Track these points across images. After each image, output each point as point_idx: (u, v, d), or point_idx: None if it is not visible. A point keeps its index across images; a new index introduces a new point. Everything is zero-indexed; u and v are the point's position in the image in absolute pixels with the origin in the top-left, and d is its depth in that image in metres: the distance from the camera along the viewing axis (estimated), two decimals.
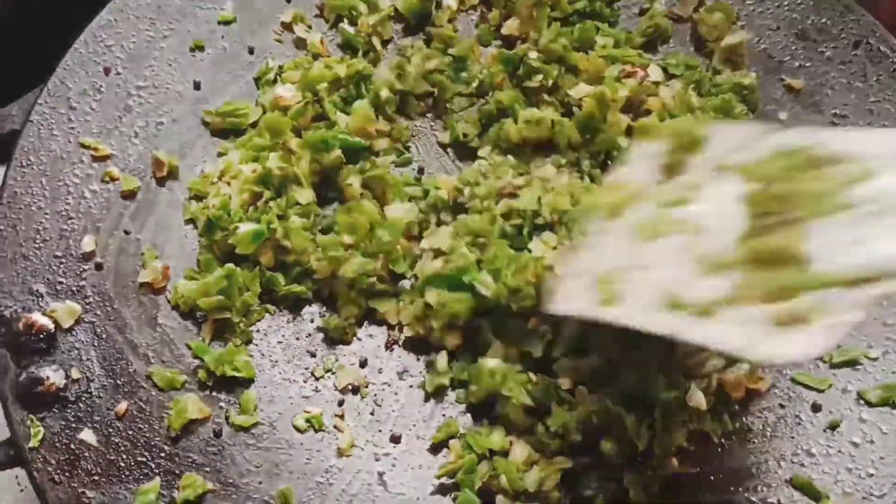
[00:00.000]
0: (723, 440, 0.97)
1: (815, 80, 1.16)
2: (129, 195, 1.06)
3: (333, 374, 1.01)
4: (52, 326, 0.96)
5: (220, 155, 1.10)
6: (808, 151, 0.85)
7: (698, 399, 0.95)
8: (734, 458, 0.97)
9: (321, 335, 1.03)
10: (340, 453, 0.96)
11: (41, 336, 0.95)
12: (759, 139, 0.89)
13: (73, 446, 0.92)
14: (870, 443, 0.96)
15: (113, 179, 1.06)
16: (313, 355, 1.02)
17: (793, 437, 0.97)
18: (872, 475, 0.95)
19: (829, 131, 1.01)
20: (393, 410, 1.00)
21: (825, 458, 0.96)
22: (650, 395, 0.94)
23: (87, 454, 0.92)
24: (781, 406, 0.99)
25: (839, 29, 1.17)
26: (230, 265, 1.01)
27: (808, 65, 1.16)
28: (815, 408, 0.98)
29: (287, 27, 1.18)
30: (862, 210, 0.79)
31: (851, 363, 1.00)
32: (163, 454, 0.93)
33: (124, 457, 0.92)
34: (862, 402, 0.98)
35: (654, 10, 1.20)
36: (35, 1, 1.38)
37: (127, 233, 1.04)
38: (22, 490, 1.07)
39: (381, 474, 0.96)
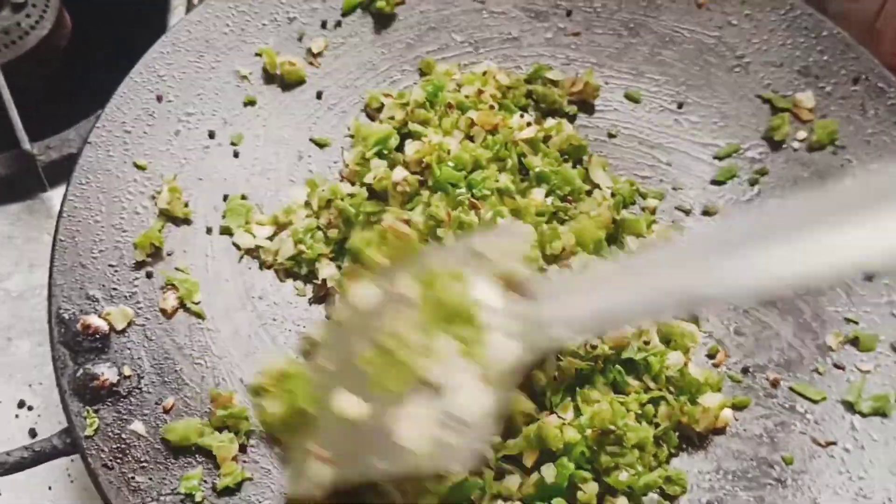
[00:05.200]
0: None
1: (816, 114, 1.22)
2: None
3: None
4: (106, 328, 1.03)
5: None
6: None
7: None
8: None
9: None
10: None
11: (97, 336, 1.02)
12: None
13: (124, 436, 0.98)
14: (861, 449, 1.03)
15: None
16: None
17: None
18: (863, 478, 1.01)
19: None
20: None
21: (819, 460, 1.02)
22: None
23: (136, 443, 0.98)
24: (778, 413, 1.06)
25: (839, 66, 1.23)
26: None
27: None
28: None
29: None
30: None
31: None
32: None
33: (171, 446, 0.99)
34: (855, 412, 1.05)
35: None
36: (92, 35, 1.47)
37: None
38: (72, 481, 1.13)
39: None
